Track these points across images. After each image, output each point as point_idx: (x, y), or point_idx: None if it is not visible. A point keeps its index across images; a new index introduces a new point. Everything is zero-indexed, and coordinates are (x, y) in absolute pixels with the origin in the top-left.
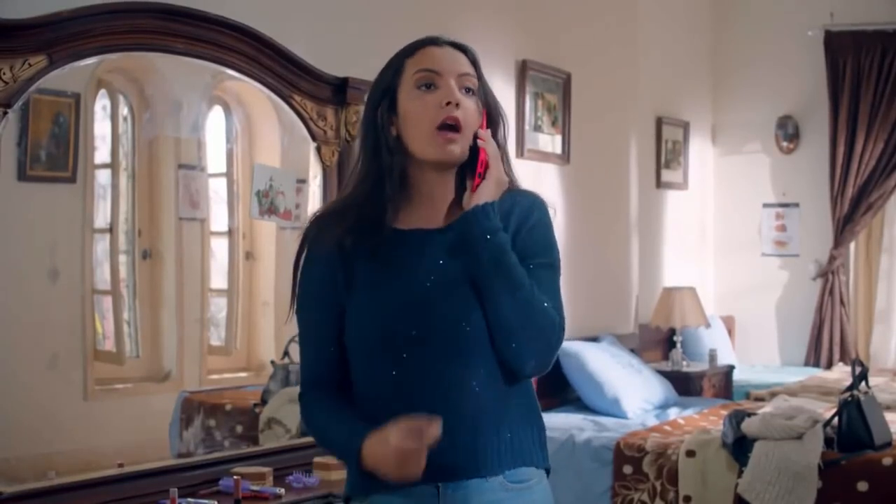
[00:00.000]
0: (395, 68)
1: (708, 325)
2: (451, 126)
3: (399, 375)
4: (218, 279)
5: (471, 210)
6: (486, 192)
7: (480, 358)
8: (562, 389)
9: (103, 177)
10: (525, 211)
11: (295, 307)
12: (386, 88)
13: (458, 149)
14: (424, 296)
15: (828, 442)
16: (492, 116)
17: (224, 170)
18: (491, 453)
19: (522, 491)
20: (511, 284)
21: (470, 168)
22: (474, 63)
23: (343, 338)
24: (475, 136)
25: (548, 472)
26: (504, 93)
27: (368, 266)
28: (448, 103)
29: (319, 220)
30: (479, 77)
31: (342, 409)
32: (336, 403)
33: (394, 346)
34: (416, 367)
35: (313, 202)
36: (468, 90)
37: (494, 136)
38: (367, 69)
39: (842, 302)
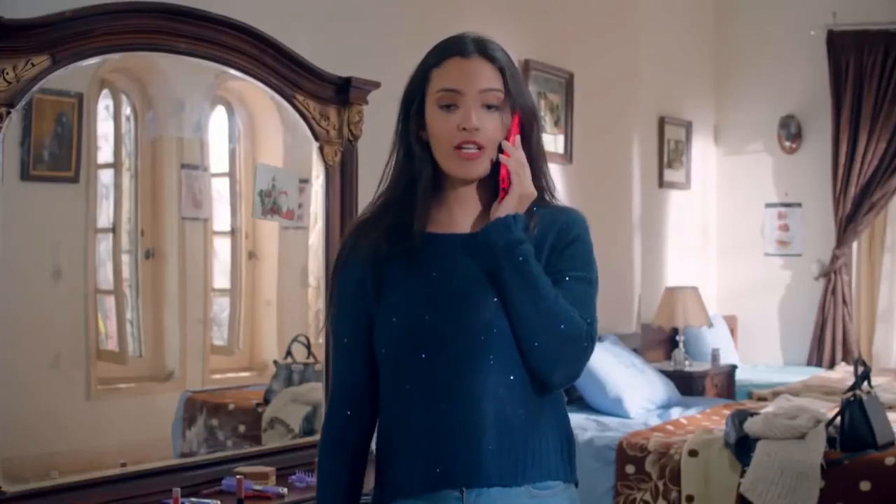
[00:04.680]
0: (422, 76)
1: (710, 325)
2: (470, 147)
3: (427, 379)
4: (221, 279)
5: (492, 223)
6: (508, 206)
7: (509, 364)
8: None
9: (106, 177)
10: (565, 227)
11: (331, 317)
12: (414, 95)
13: (478, 167)
14: (454, 300)
15: (830, 442)
16: (524, 121)
17: (227, 170)
18: (517, 463)
19: (548, 498)
20: (533, 295)
21: (495, 181)
22: (503, 69)
23: (373, 346)
24: (500, 149)
25: (576, 485)
26: None
27: (399, 270)
28: (464, 129)
29: (357, 229)
30: (508, 85)
31: (345, 477)
32: (347, 466)
33: (422, 350)
34: (443, 371)
35: (316, 202)
36: (490, 106)
37: (528, 140)
38: (369, 69)
39: (844, 302)
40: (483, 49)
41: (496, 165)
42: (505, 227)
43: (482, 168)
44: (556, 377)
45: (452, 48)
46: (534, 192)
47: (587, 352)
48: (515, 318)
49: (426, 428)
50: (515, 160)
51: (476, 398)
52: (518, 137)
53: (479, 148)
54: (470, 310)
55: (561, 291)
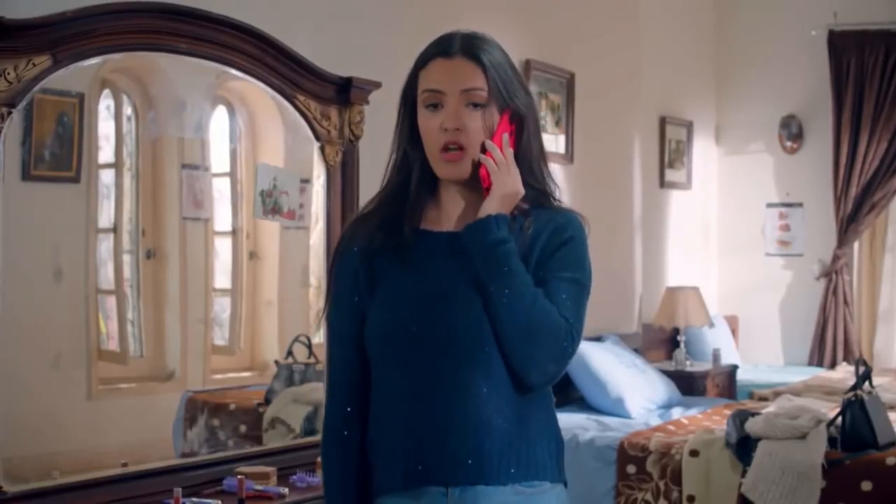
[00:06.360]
0: (412, 76)
1: (711, 325)
2: (453, 148)
3: (412, 375)
4: (221, 279)
5: (471, 224)
6: (490, 206)
7: (494, 363)
8: (565, 389)
9: (107, 176)
10: (559, 228)
11: (327, 311)
12: (408, 95)
13: (462, 168)
14: (441, 298)
15: (831, 442)
16: (515, 120)
17: (228, 170)
18: (501, 462)
19: (534, 496)
20: (510, 294)
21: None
22: (486, 68)
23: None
24: (483, 149)
25: (565, 485)
26: None
27: (390, 265)
28: (446, 129)
29: (354, 223)
30: (491, 83)
31: (352, 475)
32: (353, 463)
33: (409, 347)
34: (428, 368)
35: (317, 202)
36: (475, 105)
37: (519, 138)
38: (370, 69)
39: (845, 302)
40: (467, 48)
41: (479, 165)
42: (484, 228)
43: (465, 168)
44: (533, 377)
45: (437, 48)
46: (520, 191)
47: (567, 352)
48: (494, 317)
49: (410, 424)
50: (496, 159)
51: (460, 396)
52: (506, 136)
53: (462, 148)
54: (456, 308)
55: (547, 291)
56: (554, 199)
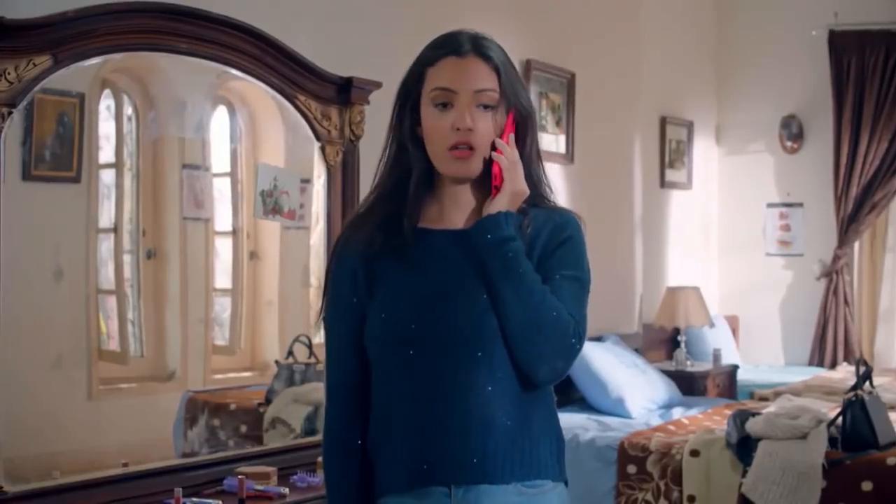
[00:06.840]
0: (417, 73)
1: (712, 325)
2: (463, 147)
3: (413, 375)
4: (222, 279)
5: (483, 219)
6: (500, 203)
7: (497, 361)
8: (566, 389)
9: (107, 177)
10: (557, 227)
11: (325, 312)
12: (410, 92)
13: (470, 166)
14: (443, 297)
15: (832, 442)
16: (518, 120)
17: (228, 170)
18: (505, 461)
19: (537, 496)
20: (520, 291)
21: (488, 178)
22: (498, 69)
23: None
24: (493, 147)
25: (566, 484)
26: None
27: (390, 265)
28: (458, 129)
29: (351, 224)
30: (503, 84)
31: (353, 476)
32: (355, 465)
33: (410, 346)
34: (429, 368)
35: (317, 202)
36: (485, 106)
37: (522, 140)
38: (371, 69)
39: (846, 302)
40: (479, 48)
41: (489, 163)
42: (495, 224)
43: (474, 168)
44: (541, 373)
45: (448, 46)
46: (526, 191)
47: (574, 349)
48: (502, 314)
49: (413, 424)
50: (508, 158)
51: (463, 395)
52: (512, 136)
53: (472, 148)
54: (459, 306)
55: (550, 290)
56: (547, 199)
